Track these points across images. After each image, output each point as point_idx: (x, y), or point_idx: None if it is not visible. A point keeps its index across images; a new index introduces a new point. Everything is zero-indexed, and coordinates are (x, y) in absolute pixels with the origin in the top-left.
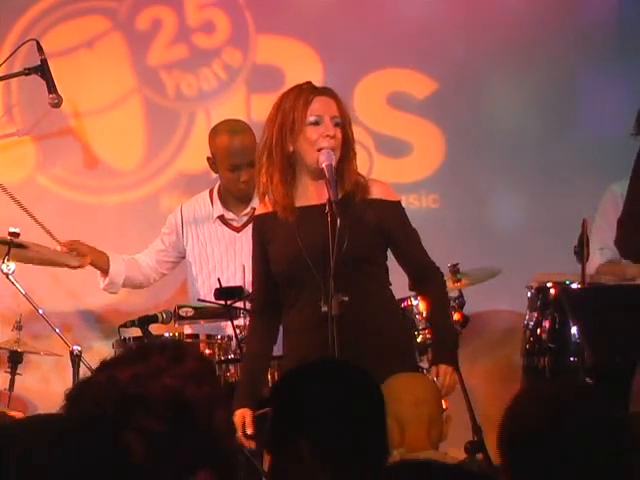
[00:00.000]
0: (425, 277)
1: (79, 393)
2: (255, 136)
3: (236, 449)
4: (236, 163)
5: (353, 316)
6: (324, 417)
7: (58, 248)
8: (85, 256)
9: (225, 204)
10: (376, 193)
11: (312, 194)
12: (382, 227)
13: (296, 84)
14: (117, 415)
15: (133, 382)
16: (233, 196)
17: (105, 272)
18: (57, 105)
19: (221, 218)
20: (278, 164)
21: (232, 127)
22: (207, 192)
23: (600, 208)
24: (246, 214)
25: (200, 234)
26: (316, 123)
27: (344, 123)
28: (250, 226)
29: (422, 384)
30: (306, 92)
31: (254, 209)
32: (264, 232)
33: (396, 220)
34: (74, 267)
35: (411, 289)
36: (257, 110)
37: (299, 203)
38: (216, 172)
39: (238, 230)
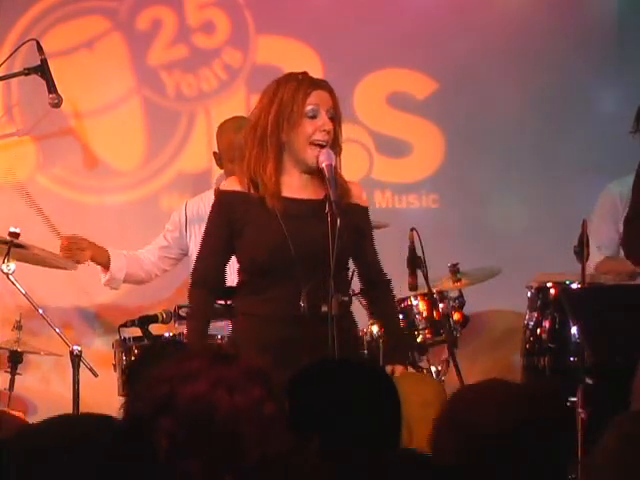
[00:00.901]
0: (381, 282)
1: (138, 391)
2: None
3: (270, 458)
4: (238, 156)
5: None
6: (334, 417)
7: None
8: (85, 250)
9: None
10: (355, 197)
11: (298, 187)
12: (360, 231)
13: (290, 72)
14: (148, 415)
15: (167, 384)
16: None
17: (106, 267)
18: (57, 105)
19: None
20: (272, 153)
21: (239, 124)
22: (212, 191)
23: (597, 207)
24: None
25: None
26: (313, 116)
27: (337, 117)
28: None
29: (429, 385)
30: (305, 85)
31: None
32: (236, 211)
33: (368, 226)
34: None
35: (362, 292)
36: None
37: (284, 193)
38: (221, 168)
39: None
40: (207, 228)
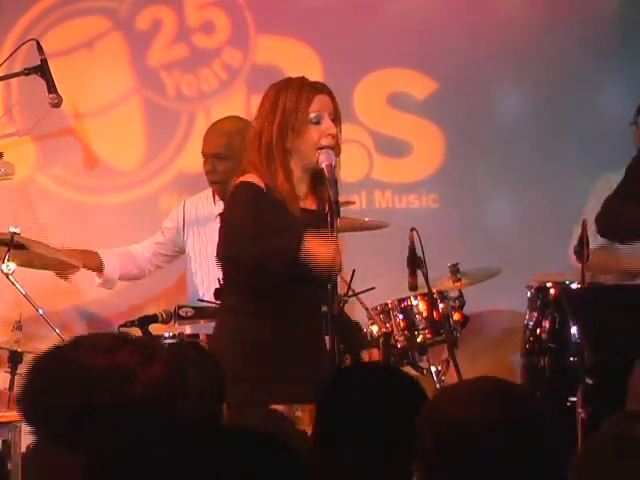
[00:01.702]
0: None
1: (47, 367)
2: (238, 137)
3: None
4: (203, 151)
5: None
6: (362, 421)
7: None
8: (78, 261)
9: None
10: None
11: (305, 195)
12: None
13: (289, 78)
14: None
15: (96, 378)
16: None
17: (99, 270)
18: (57, 105)
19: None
20: (280, 162)
21: (227, 118)
22: (210, 190)
23: (593, 194)
24: None
25: (202, 231)
26: (317, 122)
27: (338, 119)
28: None
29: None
30: (306, 91)
31: None
32: (264, 207)
33: None
34: (68, 273)
35: None
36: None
37: (305, 205)
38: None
39: None
40: (244, 208)
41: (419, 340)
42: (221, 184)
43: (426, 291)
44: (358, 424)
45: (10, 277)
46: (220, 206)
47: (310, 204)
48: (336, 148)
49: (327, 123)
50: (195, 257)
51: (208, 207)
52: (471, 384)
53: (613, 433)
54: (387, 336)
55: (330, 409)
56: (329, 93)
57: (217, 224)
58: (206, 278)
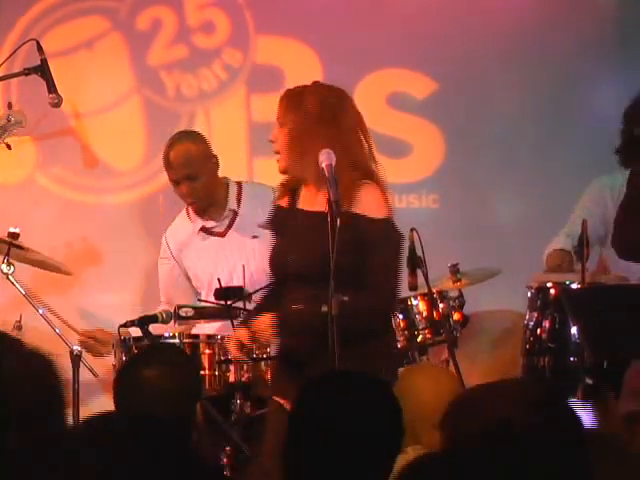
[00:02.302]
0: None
1: None
2: (200, 147)
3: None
4: (172, 178)
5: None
6: (338, 429)
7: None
8: (107, 344)
9: (202, 215)
10: (362, 206)
11: (311, 199)
12: (360, 246)
13: None
14: None
15: None
16: (208, 205)
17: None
18: (57, 105)
19: (204, 229)
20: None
21: (173, 139)
22: (184, 210)
23: (583, 196)
24: (226, 217)
25: (191, 250)
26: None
27: (285, 121)
28: (234, 227)
29: (446, 394)
30: None
31: (233, 211)
32: (273, 221)
33: (371, 240)
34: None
35: None
36: (257, 110)
37: (302, 206)
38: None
39: (223, 235)
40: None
41: (419, 340)
42: (199, 201)
43: (426, 291)
44: (326, 426)
45: (10, 277)
46: (197, 221)
47: (318, 205)
48: (284, 151)
49: (273, 132)
50: (196, 273)
51: (186, 228)
52: (508, 384)
53: (604, 436)
54: None
55: (303, 412)
56: (281, 99)
57: (201, 238)
58: (210, 295)
